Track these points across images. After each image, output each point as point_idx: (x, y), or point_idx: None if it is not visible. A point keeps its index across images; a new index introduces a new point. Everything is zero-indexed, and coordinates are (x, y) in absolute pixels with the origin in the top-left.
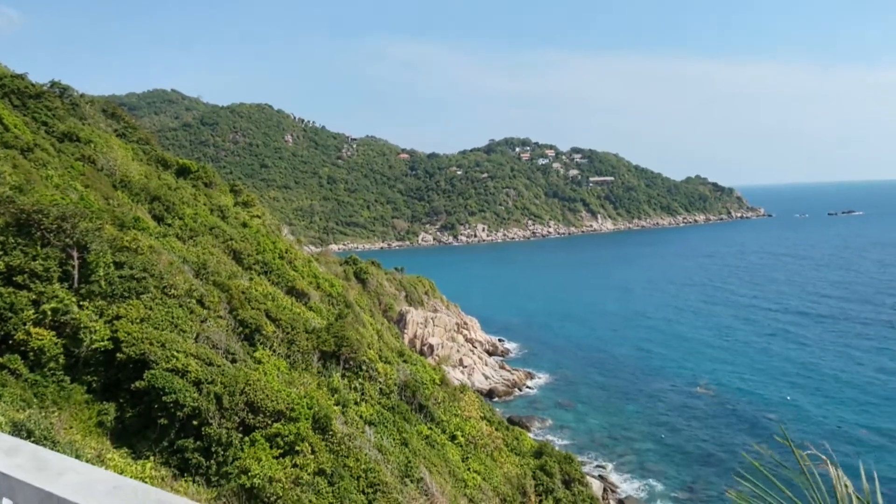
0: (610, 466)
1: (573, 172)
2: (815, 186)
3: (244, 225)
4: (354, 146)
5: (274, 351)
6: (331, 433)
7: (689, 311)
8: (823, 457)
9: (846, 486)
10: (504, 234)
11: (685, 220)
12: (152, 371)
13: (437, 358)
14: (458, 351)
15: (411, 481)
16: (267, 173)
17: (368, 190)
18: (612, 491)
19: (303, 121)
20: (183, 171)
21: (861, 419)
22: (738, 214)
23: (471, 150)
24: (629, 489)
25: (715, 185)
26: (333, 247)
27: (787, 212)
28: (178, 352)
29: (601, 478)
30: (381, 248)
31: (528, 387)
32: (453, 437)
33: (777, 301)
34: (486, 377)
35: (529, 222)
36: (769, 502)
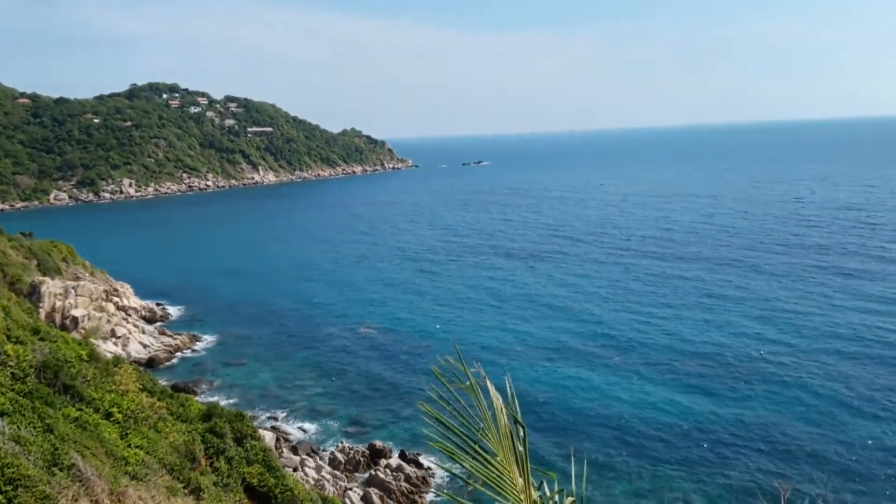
0: (282, 416)
1: (230, 122)
2: (457, 139)
3: None
4: None
5: None
6: None
7: (347, 259)
8: (483, 372)
9: (498, 398)
10: (156, 189)
11: (344, 172)
12: None
13: (83, 331)
14: (108, 321)
15: (60, 469)
16: None
17: None
18: (286, 440)
19: None
20: None
21: (495, 342)
22: (391, 166)
23: (109, 96)
24: (301, 434)
25: (369, 137)
26: None
27: (431, 162)
28: None
29: (274, 428)
30: (2, 209)
31: (193, 350)
32: (109, 415)
33: (413, 245)
34: (145, 346)
35: (185, 175)
36: (449, 410)
